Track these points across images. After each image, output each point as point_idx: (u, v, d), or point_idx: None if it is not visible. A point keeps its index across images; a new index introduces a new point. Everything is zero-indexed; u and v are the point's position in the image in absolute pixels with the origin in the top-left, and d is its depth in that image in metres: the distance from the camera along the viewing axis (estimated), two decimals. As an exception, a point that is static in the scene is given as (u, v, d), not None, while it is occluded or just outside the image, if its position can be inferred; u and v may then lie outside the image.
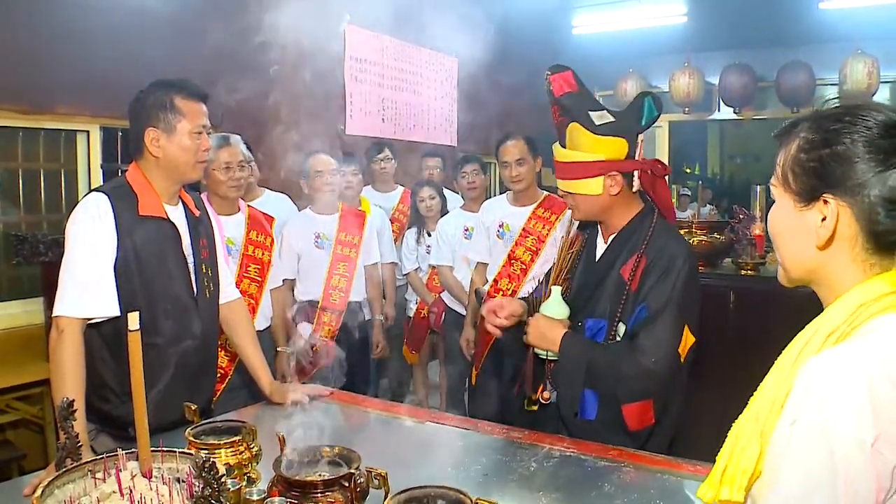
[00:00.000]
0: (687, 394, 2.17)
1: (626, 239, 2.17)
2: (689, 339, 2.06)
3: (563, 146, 2.17)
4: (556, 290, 2.22)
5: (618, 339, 2.12)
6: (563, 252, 2.38)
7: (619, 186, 2.12)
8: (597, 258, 2.26)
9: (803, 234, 1.09)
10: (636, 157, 2.14)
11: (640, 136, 2.17)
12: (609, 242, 2.22)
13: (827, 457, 0.91)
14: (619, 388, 2.04)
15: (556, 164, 2.21)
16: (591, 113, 2.11)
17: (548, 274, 2.45)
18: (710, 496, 1.08)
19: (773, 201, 1.16)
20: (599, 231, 2.29)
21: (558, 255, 2.38)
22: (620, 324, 2.12)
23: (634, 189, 2.16)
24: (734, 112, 8.32)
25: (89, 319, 2.06)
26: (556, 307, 2.21)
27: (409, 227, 4.82)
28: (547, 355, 2.21)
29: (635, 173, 2.14)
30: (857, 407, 0.90)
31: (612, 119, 2.13)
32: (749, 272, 4.07)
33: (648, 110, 2.15)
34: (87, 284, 2.04)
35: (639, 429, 2.07)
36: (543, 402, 2.25)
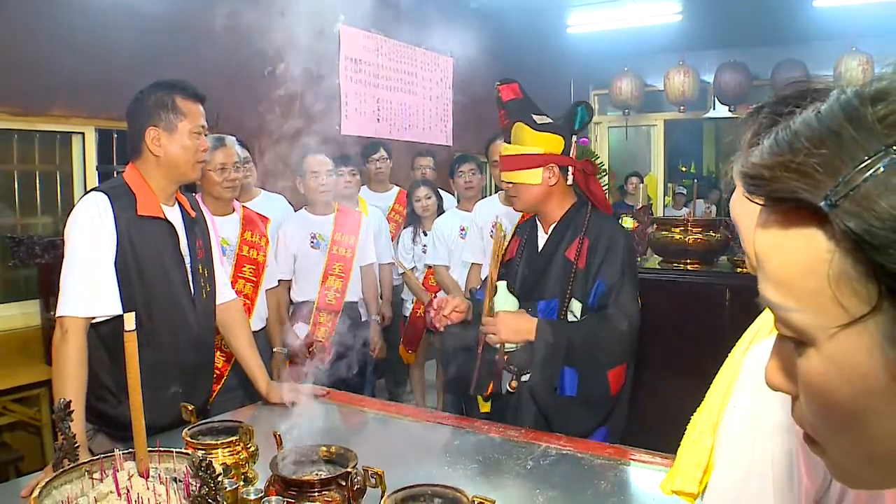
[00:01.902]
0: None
1: (566, 226, 2.43)
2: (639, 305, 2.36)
3: (507, 142, 2.44)
4: (503, 286, 2.41)
5: (571, 314, 2.33)
6: (498, 251, 2.52)
7: (557, 178, 2.38)
8: (539, 248, 2.48)
9: None
10: (570, 154, 2.42)
11: (574, 139, 2.44)
12: (550, 232, 2.46)
13: (758, 443, 0.90)
14: (603, 356, 2.26)
15: (500, 159, 2.50)
16: (533, 115, 2.39)
17: (486, 278, 2.58)
18: (667, 488, 1.09)
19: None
20: (539, 225, 2.52)
21: (493, 257, 2.51)
22: (573, 300, 2.33)
23: (569, 182, 2.42)
24: (729, 110, 8.34)
25: (93, 319, 2.06)
26: (508, 301, 2.39)
27: (405, 227, 4.83)
28: (506, 347, 2.37)
29: (569, 168, 2.41)
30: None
31: (550, 121, 2.40)
32: (744, 270, 4.07)
33: (581, 116, 2.42)
34: (90, 284, 2.04)
35: (618, 391, 2.29)
36: (510, 391, 2.39)
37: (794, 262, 0.51)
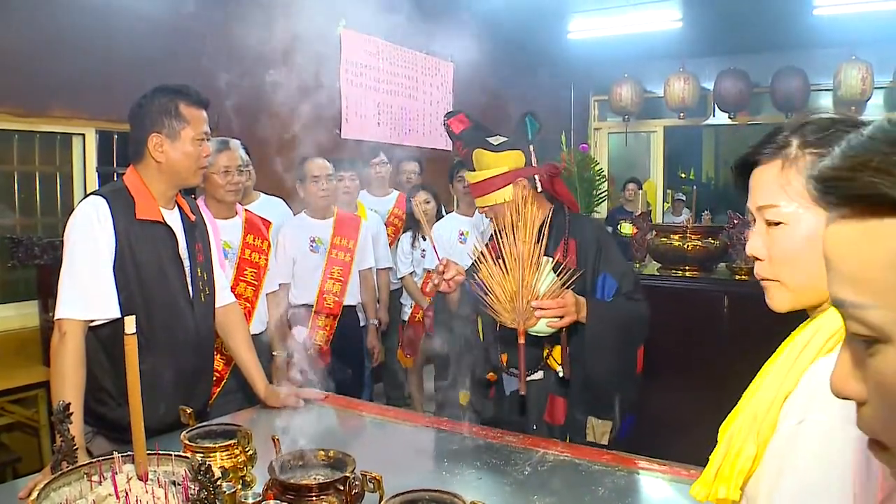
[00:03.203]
0: None
1: (549, 232, 2.37)
2: None
3: (471, 170, 2.49)
4: (549, 260, 2.24)
5: None
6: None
7: (528, 190, 2.39)
8: None
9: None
10: (532, 164, 2.45)
11: (532, 147, 2.48)
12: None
13: (832, 457, 0.91)
14: (638, 334, 2.36)
15: (470, 187, 2.56)
16: (487, 138, 2.46)
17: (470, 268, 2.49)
18: (703, 495, 1.09)
19: (778, 223, 1.08)
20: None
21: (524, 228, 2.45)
22: None
23: (539, 189, 2.44)
24: (729, 117, 8.36)
25: (91, 322, 2.07)
26: (550, 277, 2.21)
27: (404, 231, 4.83)
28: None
29: (536, 177, 2.44)
30: None
31: (505, 139, 2.47)
32: (743, 277, 4.09)
33: (531, 126, 2.50)
34: (89, 287, 2.05)
35: (640, 372, 2.40)
36: (522, 395, 2.31)
37: (874, 257, 0.53)
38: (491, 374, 2.47)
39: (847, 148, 0.54)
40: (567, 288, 2.18)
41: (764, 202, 1.09)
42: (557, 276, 2.21)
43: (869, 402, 0.57)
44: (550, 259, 2.26)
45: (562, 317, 2.15)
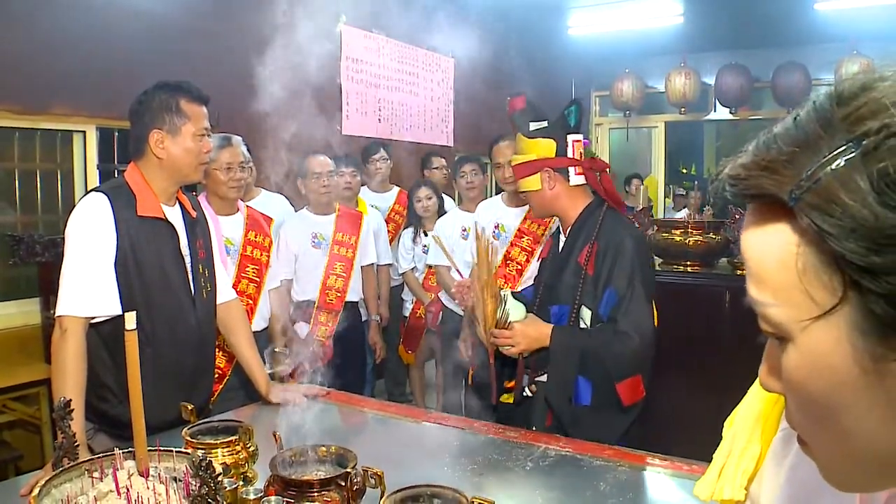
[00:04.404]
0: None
1: (579, 229, 2.40)
2: (654, 308, 2.29)
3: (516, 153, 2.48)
4: (508, 293, 2.45)
5: (581, 321, 2.31)
6: (486, 261, 2.53)
7: (556, 181, 2.37)
8: (560, 251, 2.48)
9: None
10: (569, 156, 2.38)
11: (577, 137, 2.41)
12: (567, 234, 2.45)
13: None
14: (613, 368, 2.20)
15: (512, 169, 2.56)
16: (531, 123, 2.41)
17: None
18: (707, 494, 1.08)
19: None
20: (560, 227, 2.53)
21: (484, 265, 2.52)
22: (583, 307, 2.30)
23: (572, 183, 2.38)
24: (730, 112, 8.34)
25: (92, 319, 2.07)
26: (516, 309, 2.41)
27: (405, 227, 4.82)
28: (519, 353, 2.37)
29: (571, 169, 2.37)
30: None
31: (544, 125, 2.41)
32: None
33: (573, 115, 2.41)
34: (89, 284, 2.05)
35: (632, 403, 2.24)
36: (531, 394, 2.40)
37: (767, 256, 0.54)
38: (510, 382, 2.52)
39: (754, 145, 0.55)
40: (532, 315, 2.39)
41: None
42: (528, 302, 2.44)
43: (786, 397, 0.58)
44: (508, 291, 2.48)
45: (513, 345, 2.33)
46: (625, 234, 2.31)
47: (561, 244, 2.49)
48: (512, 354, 2.34)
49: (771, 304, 0.54)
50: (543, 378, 2.37)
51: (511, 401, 2.47)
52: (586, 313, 2.31)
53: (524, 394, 2.40)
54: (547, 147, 2.37)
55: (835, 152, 0.48)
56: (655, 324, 2.27)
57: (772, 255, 0.53)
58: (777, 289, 0.53)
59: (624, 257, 2.26)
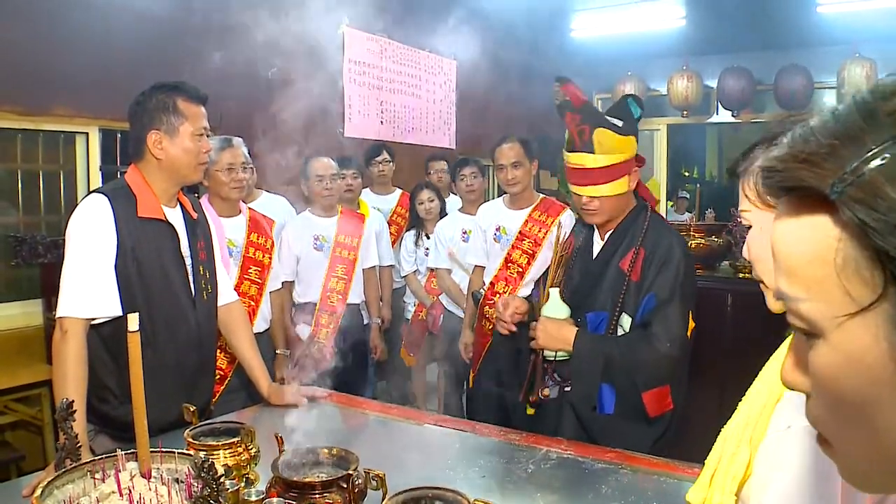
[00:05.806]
0: (687, 377, 2.26)
1: (622, 234, 2.27)
2: (691, 323, 2.18)
3: (590, 152, 2.17)
4: (555, 292, 2.29)
5: (620, 329, 2.19)
6: (557, 254, 2.41)
7: (635, 183, 2.25)
8: (594, 255, 2.34)
9: None
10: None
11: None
12: (606, 239, 2.32)
13: (818, 465, 0.91)
14: (638, 377, 2.11)
15: (582, 172, 2.20)
16: (608, 117, 2.22)
17: (544, 276, 2.49)
18: (699, 500, 1.09)
19: (750, 226, 1.16)
20: (595, 230, 2.37)
21: (553, 257, 2.42)
22: (624, 315, 2.19)
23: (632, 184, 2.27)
24: (732, 115, 8.33)
25: (92, 320, 2.07)
26: (557, 308, 2.27)
27: (407, 230, 4.82)
28: (556, 356, 2.27)
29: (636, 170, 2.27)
30: None
31: (620, 121, 2.21)
32: (747, 275, 4.08)
33: (635, 109, 2.26)
34: (90, 285, 2.05)
35: (658, 415, 2.13)
36: (543, 399, 2.31)
37: (803, 250, 0.52)
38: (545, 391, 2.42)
39: (790, 138, 0.54)
40: (569, 319, 2.26)
41: (740, 208, 1.18)
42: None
43: (812, 395, 0.57)
44: (556, 289, 2.30)
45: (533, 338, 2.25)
46: (675, 243, 2.21)
47: (596, 248, 2.36)
48: (534, 347, 2.26)
49: (804, 298, 0.53)
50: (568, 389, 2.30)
51: (532, 412, 2.37)
52: (626, 321, 2.20)
53: (541, 397, 2.33)
54: (634, 146, 2.21)
55: (881, 146, 0.48)
56: (689, 335, 2.16)
57: (807, 248, 0.52)
58: (811, 283, 0.52)
59: (671, 264, 2.16)
